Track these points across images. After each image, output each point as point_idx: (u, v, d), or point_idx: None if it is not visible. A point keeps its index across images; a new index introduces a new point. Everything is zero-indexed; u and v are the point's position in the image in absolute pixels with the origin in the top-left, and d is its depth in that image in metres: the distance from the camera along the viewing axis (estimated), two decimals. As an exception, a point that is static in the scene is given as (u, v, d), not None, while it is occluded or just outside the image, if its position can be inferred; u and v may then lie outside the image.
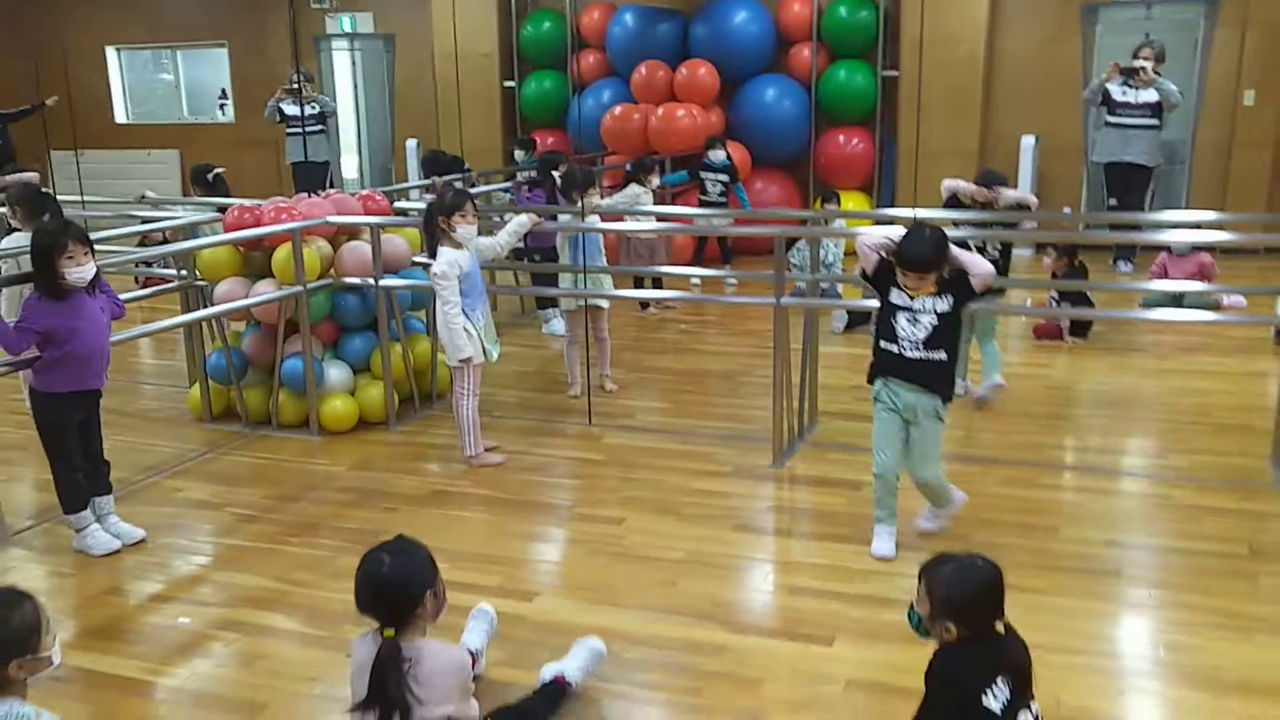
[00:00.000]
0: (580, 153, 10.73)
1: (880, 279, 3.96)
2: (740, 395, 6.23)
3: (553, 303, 7.85)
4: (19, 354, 4.02)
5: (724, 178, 9.22)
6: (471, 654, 3.08)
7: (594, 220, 6.24)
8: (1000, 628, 2.52)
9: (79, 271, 3.96)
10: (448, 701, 2.59)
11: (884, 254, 3.93)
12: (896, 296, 3.90)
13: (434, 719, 2.56)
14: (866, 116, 10.70)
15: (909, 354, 3.87)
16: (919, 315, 3.85)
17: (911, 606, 2.61)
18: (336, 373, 5.69)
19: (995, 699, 2.43)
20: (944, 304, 3.85)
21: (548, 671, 3.11)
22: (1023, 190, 6.76)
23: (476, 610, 3.38)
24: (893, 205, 10.29)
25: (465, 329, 4.95)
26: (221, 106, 14.57)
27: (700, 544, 4.23)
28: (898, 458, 4.02)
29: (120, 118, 14.80)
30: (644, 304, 8.37)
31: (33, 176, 8.91)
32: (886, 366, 3.95)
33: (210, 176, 8.46)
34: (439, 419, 5.77)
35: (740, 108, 10.57)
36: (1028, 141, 10.14)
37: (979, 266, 3.86)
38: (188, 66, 14.93)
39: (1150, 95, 9.06)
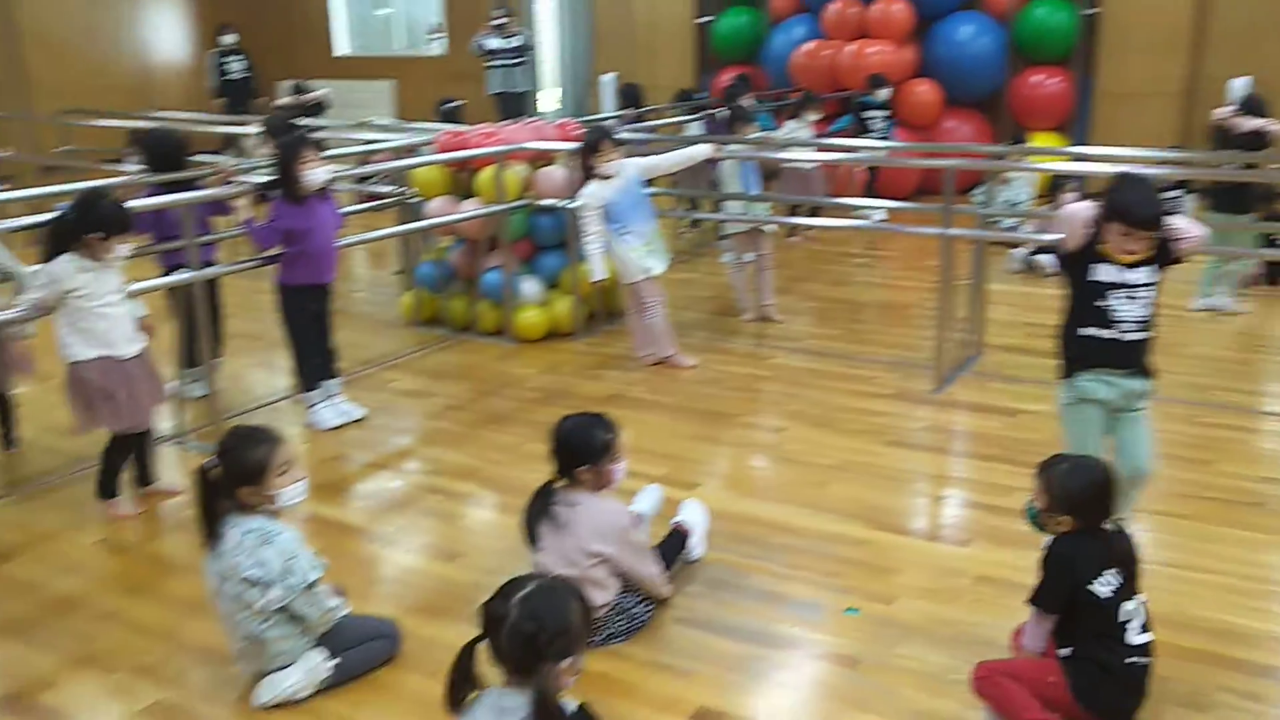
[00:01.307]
0: (772, 88, 10.94)
1: (1079, 258, 3.32)
2: (909, 326, 6.42)
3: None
4: (266, 250, 4.68)
5: (885, 113, 9.34)
6: (636, 516, 3.53)
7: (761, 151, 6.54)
8: (1111, 525, 2.76)
9: (314, 174, 4.58)
10: (604, 543, 3.08)
11: (1092, 226, 3.26)
12: (1107, 273, 3.25)
13: (588, 554, 3.06)
14: (1065, 55, 10.44)
15: (1130, 336, 3.29)
16: (1137, 290, 3.25)
17: (1030, 501, 2.86)
18: (530, 286, 6.22)
19: (1104, 586, 2.68)
20: (1153, 272, 3.27)
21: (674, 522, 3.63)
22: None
23: (646, 487, 3.83)
24: (1086, 145, 10.05)
25: (625, 253, 5.43)
26: (434, 40, 15.37)
27: (854, 455, 4.54)
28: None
29: (340, 49, 15.83)
30: (790, 232, 8.72)
31: (326, 93, 10.35)
32: (1101, 356, 3.33)
33: (448, 108, 9.05)
34: (621, 332, 6.23)
35: (934, 45, 10.51)
36: (1240, 83, 9.68)
37: (1191, 229, 3.29)
38: (404, 0, 15.80)
39: None
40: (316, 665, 2.92)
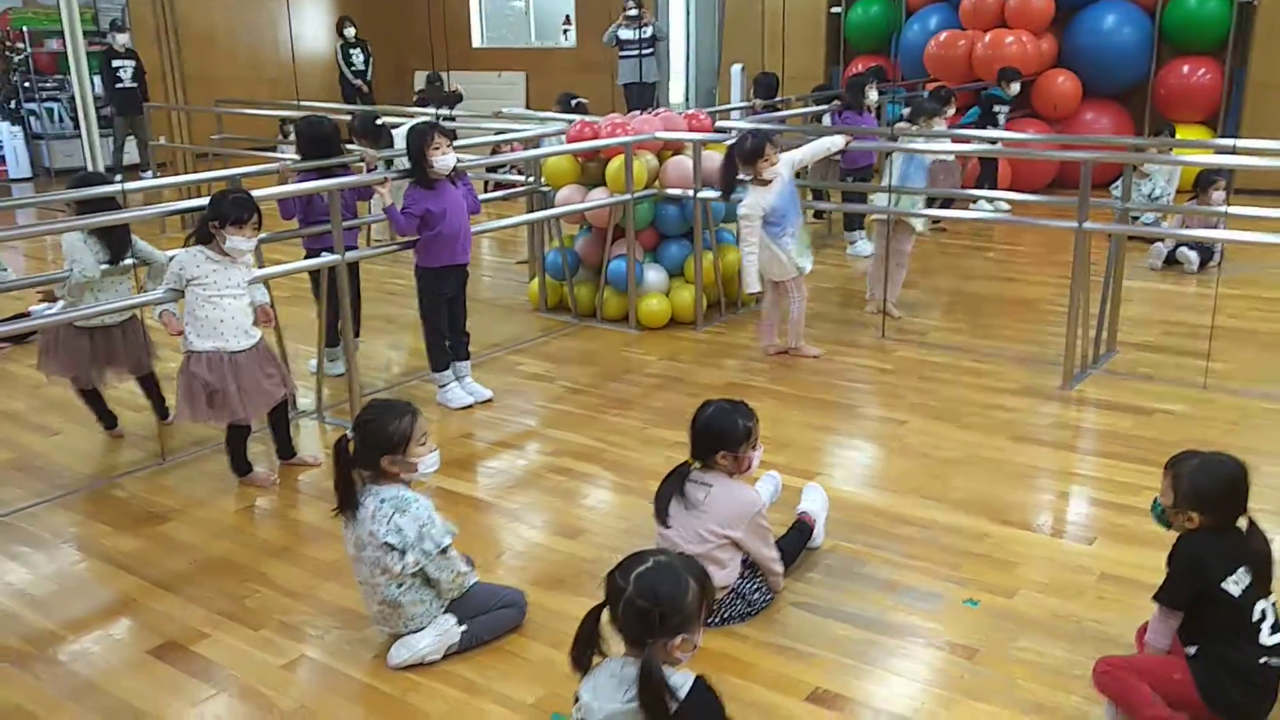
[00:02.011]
0: (904, 79, 10.78)
1: None
2: (1040, 322, 6.29)
3: (859, 225, 8.16)
4: (405, 235, 4.88)
5: (1006, 109, 9.18)
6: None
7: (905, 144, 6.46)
8: (1243, 523, 2.69)
9: (443, 159, 4.75)
10: (733, 528, 3.14)
11: None
12: None
13: (717, 535, 3.12)
14: (1216, 45, 10.02)
15: None
16: None
17: (1156, 499, 2.81)
18: (654, 275, 6.31)
19: (1235, 585, 2.61)
20: None
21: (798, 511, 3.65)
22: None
23: (766, 474, 3.87)
24: (1235, 138, 9.64)
25: (782, 254, 5.44)
26: (565, 32, 15.63)
27: (976, 449, 4.49)
28: None
29: (476, 42, 16.22)
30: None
31: (459, 89, 10.98)
32: None
33: (574, 103, 9.18)
34: (741, 322, 6.27)
35: (1074, 34, 10.21)
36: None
37: None
38: (536, -6, 16.12)
39: None
40: (448, 629, 3.06)
